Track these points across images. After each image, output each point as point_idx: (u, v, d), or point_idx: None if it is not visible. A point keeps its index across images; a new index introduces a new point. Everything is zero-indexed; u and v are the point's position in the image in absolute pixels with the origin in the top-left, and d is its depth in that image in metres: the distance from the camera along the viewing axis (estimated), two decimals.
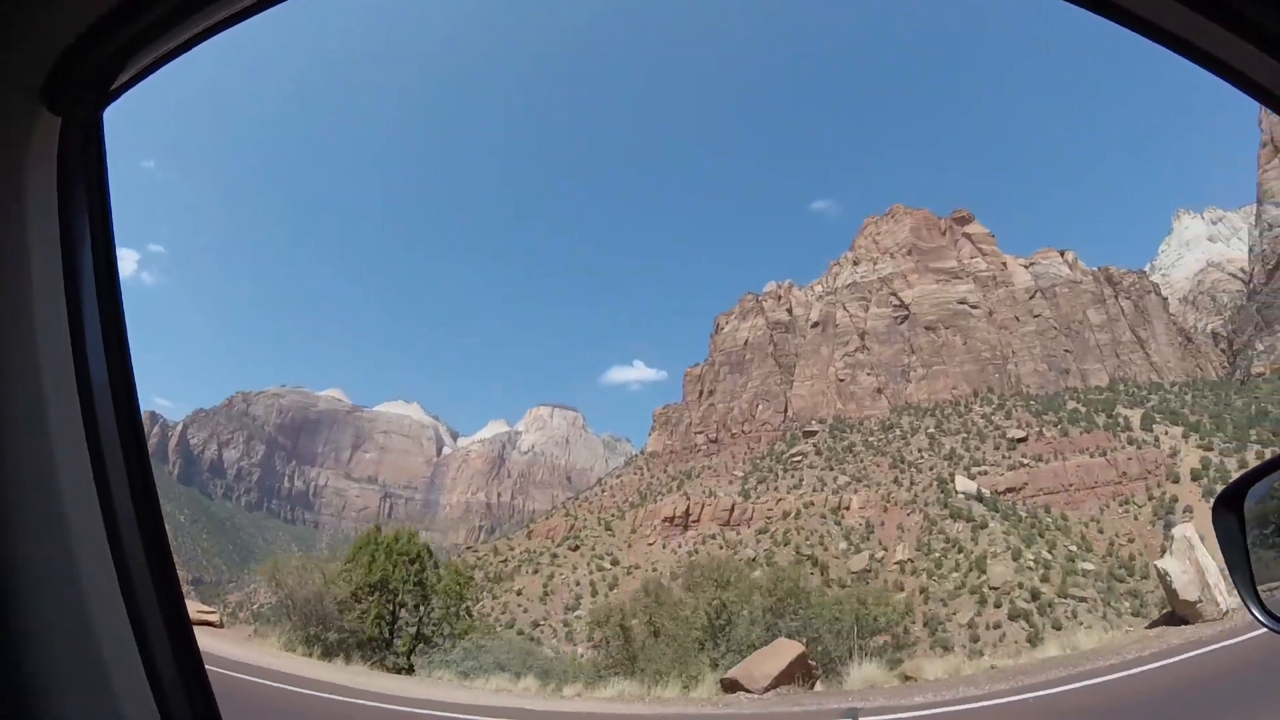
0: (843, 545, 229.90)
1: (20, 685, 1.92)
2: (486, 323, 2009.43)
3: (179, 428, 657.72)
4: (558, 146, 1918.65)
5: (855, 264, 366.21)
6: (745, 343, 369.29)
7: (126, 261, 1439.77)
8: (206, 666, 2.52)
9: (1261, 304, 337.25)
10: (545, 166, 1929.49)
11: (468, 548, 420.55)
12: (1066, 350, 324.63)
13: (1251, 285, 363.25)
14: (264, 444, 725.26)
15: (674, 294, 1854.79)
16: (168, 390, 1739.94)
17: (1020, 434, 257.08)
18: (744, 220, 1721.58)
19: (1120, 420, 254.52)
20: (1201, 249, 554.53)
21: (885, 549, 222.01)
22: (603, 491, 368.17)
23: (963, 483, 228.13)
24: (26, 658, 1.94)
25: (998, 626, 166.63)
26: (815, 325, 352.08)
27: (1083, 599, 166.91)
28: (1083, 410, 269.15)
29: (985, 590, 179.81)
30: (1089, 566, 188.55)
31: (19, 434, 2.05)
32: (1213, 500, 4.22)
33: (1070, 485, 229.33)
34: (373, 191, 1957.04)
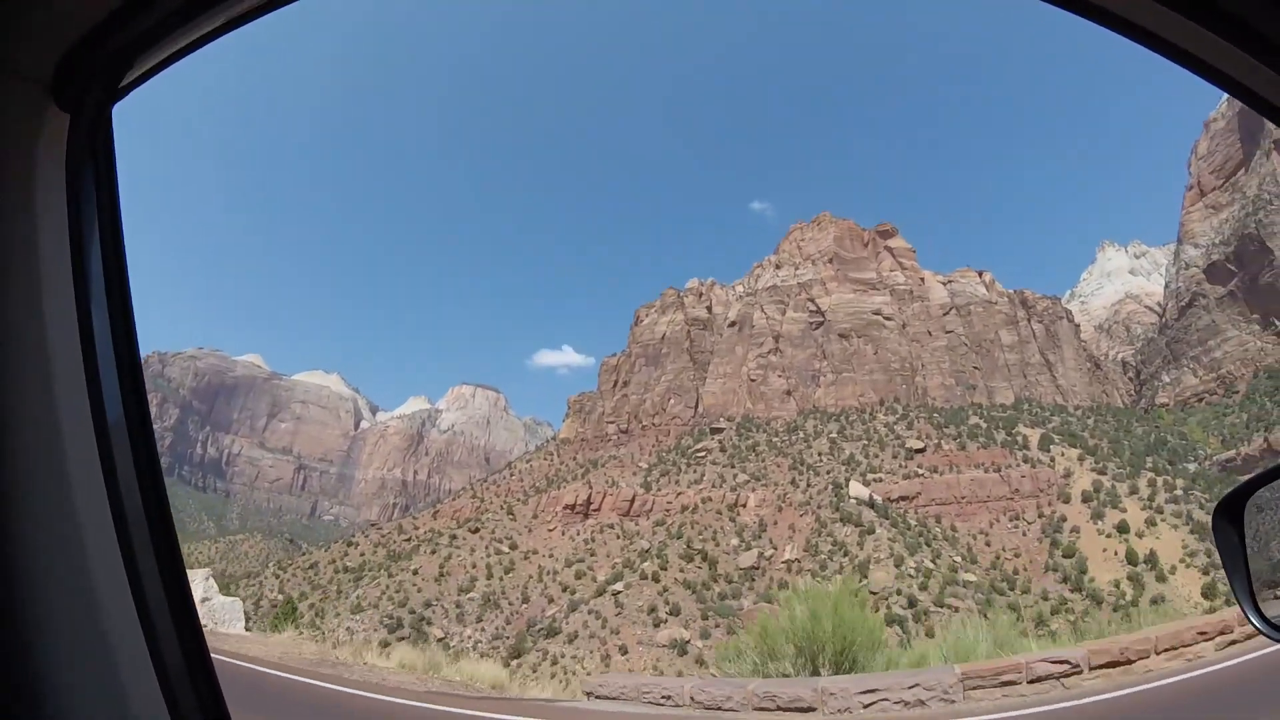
0: (734, 541, 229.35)
1: (30, 684, 1.90)
2: (413, 298, 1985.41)
3: None
4: (495, 127, 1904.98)
5: (778, 268, 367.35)
6: (663, 336, 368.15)
7: None
8: None
9: (1171, 339, 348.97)
10: (482, 146, 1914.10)
11: (371, 524, 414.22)
12: (975, 367, 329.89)
13: (1164, 320, 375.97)
14: (178, 407, 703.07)
15: (610, 283, 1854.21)
16: None
17: (919, 445, 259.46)
18: (683, 215, 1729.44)
19: (1019, 439, 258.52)
20: (1122, 281, 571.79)
21: (775, 547, 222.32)
22: (511, 475, 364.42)
23: (856, 488, 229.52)
24: (36, 656, 1.93)
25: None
26: (733, 325, 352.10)
27: (957, 609, 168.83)
28: (983, 426, 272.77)
29: (865, 594, 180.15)
30: (971, 578, 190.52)
31: (28, 430, 2.03)
32: (1212, 508, 4.23)
33: (962, 498, 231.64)
34: (302, 159, 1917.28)
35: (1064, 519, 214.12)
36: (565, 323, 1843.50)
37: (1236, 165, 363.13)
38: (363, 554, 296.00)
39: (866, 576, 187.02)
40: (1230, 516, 4.22)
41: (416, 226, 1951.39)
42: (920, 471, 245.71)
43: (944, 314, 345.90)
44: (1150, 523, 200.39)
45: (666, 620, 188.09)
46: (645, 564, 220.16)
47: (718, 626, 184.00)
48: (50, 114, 2.18)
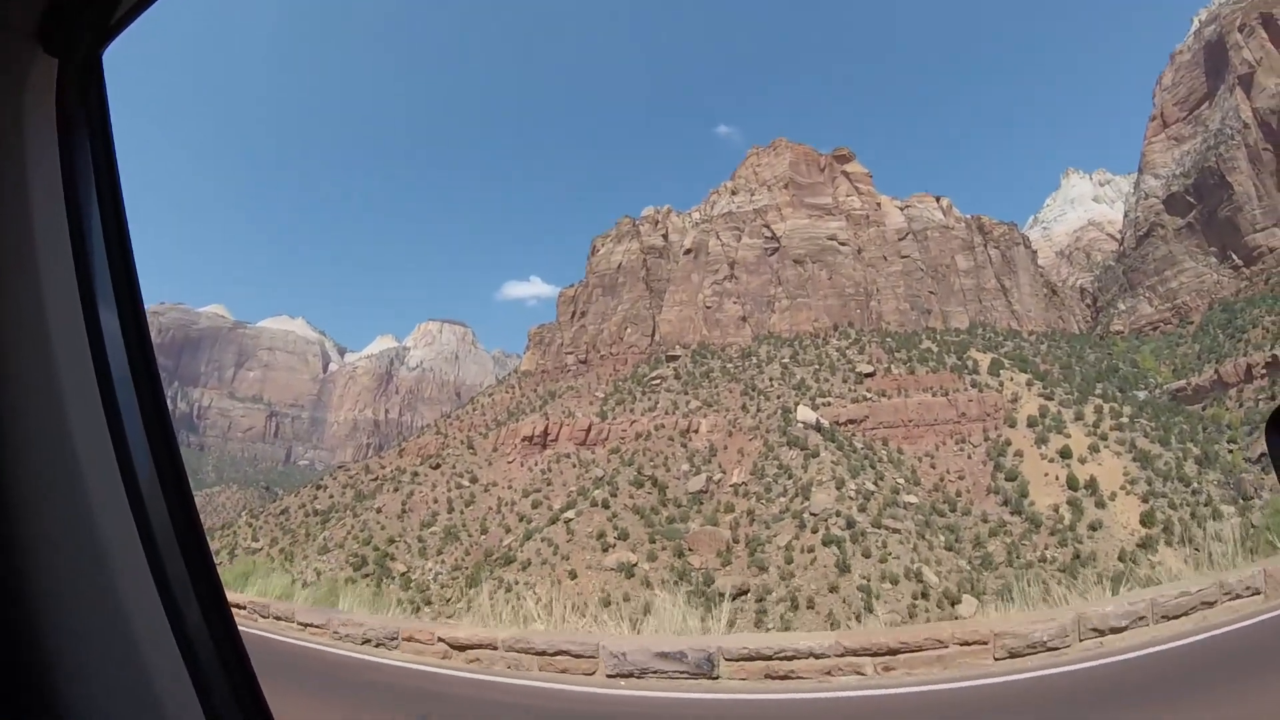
0: (685, 467, 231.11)
1: (57, 691, 1.85)
2: (376, 237, 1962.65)
3: None
4: (455, 56, 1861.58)
5: (734, 194, 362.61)
6: (619, 266, 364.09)
7: None
8: None
9: (1129, 267, 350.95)
10: (442, 75, 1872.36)
11: (339, 467, 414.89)
12: (931, 292, 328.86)
13: (1122, 248, 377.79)
14: None
15: (577, 213, 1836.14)
16: None
17: (869, 369, 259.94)
18: (649, 141, 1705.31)
19: (969, 363, 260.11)
20: (1085, 208, 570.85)
21: (724, 472, 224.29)
22: (474, 410, 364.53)
23: (803, 412, 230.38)
24: (62, 661, 1.88)
25: (811, 550, 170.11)
26: (688, 252, 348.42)
27: (896, 530, 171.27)
28: (935, 351, 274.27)
29: (806, 516, 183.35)
30: (912, 500, 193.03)
31: (30, 399, 1.96)
32: (1266, 419, 4.35)
33: (910, 421, 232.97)
34: (254, 102, 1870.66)
35: (1009, 443, 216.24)
36: (533, 254, 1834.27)
37: (1200, 98, 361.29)
38: (331, 496, 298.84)
39: (809, 499, 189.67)
40: None
41: (376, 164, 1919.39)
42: (869, 395, 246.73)
43: (900, 239, 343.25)
44: (1094, 449, 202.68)
45: (615, 545, 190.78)
46: (597, 491, 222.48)
47: (664, 549, 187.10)
48: (38, 60, 2.11)
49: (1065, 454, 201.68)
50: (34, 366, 2.01)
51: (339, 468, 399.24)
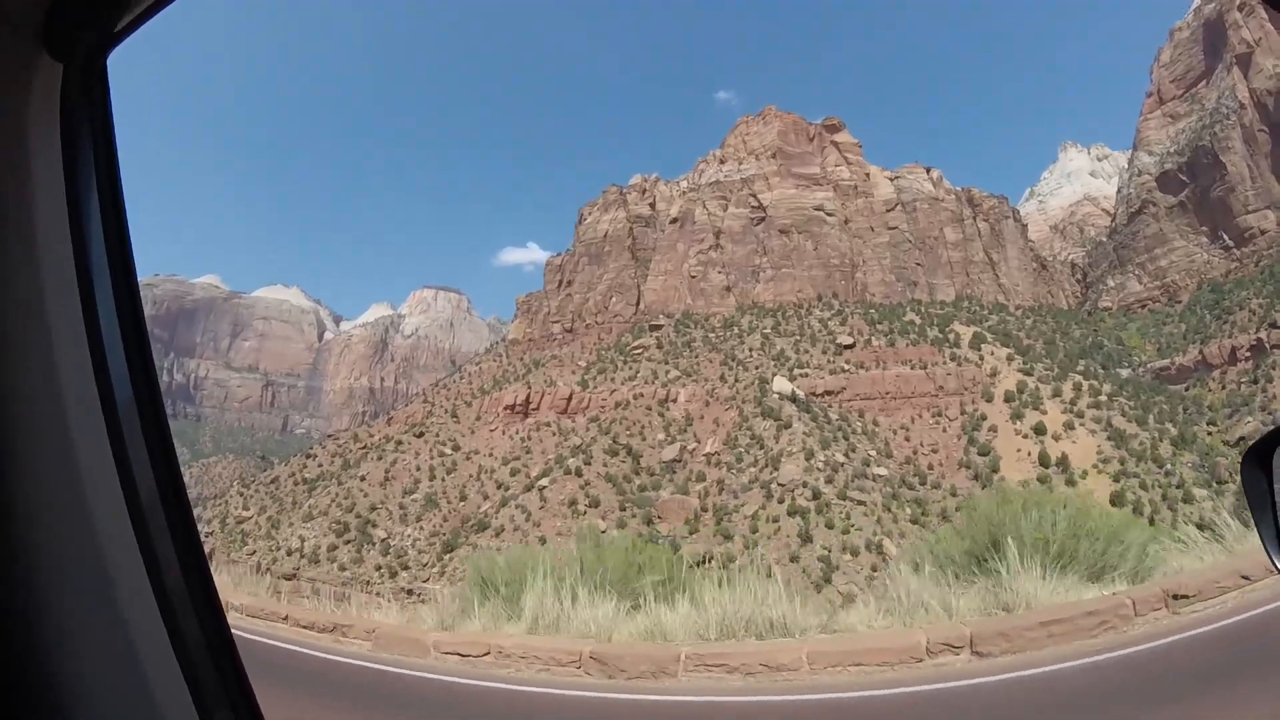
0: (660, 436, 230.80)
1: (51, 686, 1.88)
2: (370, 205, 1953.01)
3: None
4: (451, 17, 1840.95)
5: (722, 163, 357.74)
6: (605, 235, 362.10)
7: None
8: None
9: (1119, 244, 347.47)
10: (437, 39, 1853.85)
11: (329, 436, 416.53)
12: (918, 264, 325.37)
13: (1114, 224, 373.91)
14: None
15: (576, 178, 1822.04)
16: None
17: (849, 341, 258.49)
18: (651, 107, 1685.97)
19: (950, 336, 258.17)
20: (1081, 182, 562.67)
21: (699, 441, 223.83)
22: (462, 378, 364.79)
23: (779, 383, 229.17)
24: (55, 657, 1.90)
25: (776, 520, 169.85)
26: (674, 221, 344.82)
27: (861, 502, 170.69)
28: (917, 323, 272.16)
29: (774, 486, 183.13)
30: (882, 471, 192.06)
31: (31, 403, 1.97)
32: (1242, 453, 4.13)
33: (887, 393, 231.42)
34: (244, 69, 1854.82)
35: (984, 417, 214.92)
36: (530, 220, 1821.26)
37: (1198, 77, 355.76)
38: (320, 465, 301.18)
39: (777, 469, 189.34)
40: (1259, 463, 4.15)
41: (369, 131, 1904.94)
42: (847, 367, 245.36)
43: (888, 210, 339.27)
44: (1069, 426, 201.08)
45: (586, 512, 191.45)
46: (571, 460, 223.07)
47: (634, 516, 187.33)
48: (43, 64, 2.10)
49: (1040, 430, 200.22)
50: (34, 368, 2.01)
51: (329, 436, 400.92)
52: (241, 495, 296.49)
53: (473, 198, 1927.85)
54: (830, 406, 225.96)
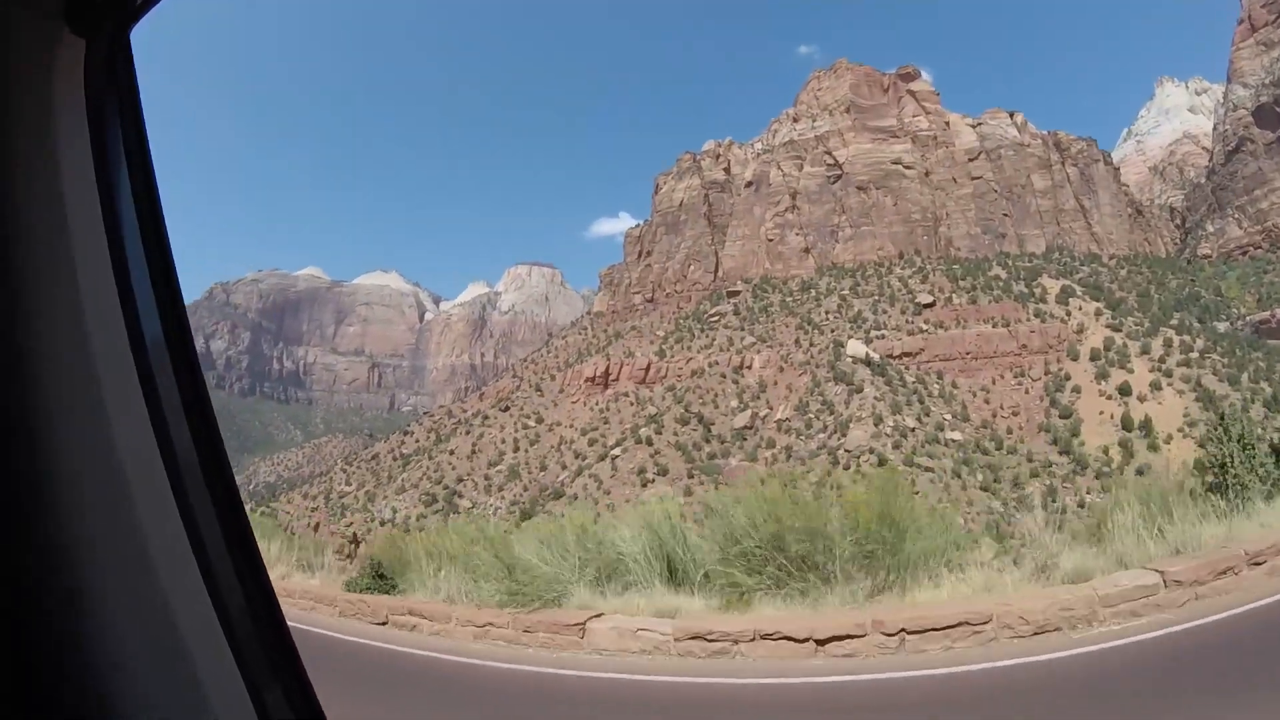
0: (734, 404, 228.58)
1: (101, 673, 1.86)
2: (462, 185, 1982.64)
3: None
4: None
5: (795, 121, 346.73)
6: (681, 203, 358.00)
7: None
8: None
9: (1217, 185, 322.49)
10: (522, 16, 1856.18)
11: (425, 412, 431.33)
12: (1005, 214, 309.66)
13: (1211, 164, 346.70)
14: (249, 330, 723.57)
15: (668, 142, 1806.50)
16: None
17: (929, 299, 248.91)
18: (729, 64, 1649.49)
19: (1037, 291, 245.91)
20: (1180, 119, 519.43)
21: (771, 408, 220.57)
22: (548, 352, 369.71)
23: (853, 346, 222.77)
24: (102, 643, 1.87)
25: (838, 488, 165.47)
26: (749, 184, 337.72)
27: (929, 469, 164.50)
28: (1003, 278, 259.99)
29: (841, 453, 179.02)
30: (956, 436, 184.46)
31: (70, 386, 1.95)
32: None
33: (967, 353, 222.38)
34: (319, 59, 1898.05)
35: (1068, 377, 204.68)
36: (621, 189, 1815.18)
37: None
38: (417, 440, 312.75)
39: (845, 435, 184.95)
40: None
41: (457, 111, 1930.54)
42: (926, 327, 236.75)
43: (971, 160, 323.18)
44: (1155, 386, 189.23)
45: (654, 480, 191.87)
46: (643, 429, 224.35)
47: (701, 484, 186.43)
48: (65, 40, 2.07)
49: (1125, 391, 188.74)
50: (69, 345, 1.98)
51: (425, 414, 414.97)
52: (345, 471, 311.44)
53: (563, 171, 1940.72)
54: (907, 369, 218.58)
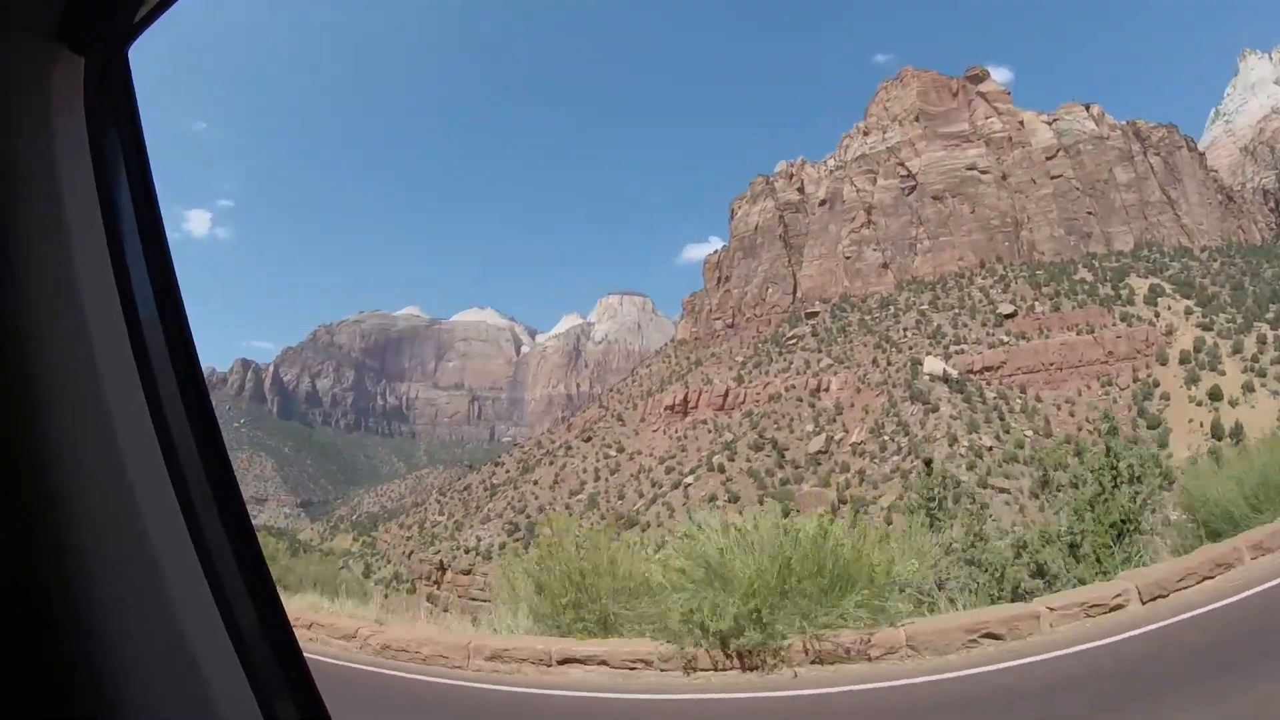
0: (809, 427, 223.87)
1: (110, 686, 1.85)
2: (553, 220, 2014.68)
3: (270, 368, 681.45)
4: (613, 33, 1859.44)
5: (865, 134, 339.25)
6: (756, 226, 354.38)
7: (199, 221, 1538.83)
8: None
9: None
10: (597, 45, 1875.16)
11: (515, 444, 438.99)
12: (1090, 213, 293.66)
13: None
14: (352, 369, 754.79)
15: (755, 163, 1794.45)
16: (260, 333, 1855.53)
17: (1010, 309, 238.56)
18: (807, 78, 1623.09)
19: (1123, 293, 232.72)
20: (1267, 93, 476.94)
21: (846, 431, 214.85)
22: (633, 381, 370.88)
23: (930, 363, 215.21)
24: (112, 656, 1.86)
25: (911, 512, 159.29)
26: (823, 203, 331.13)
27: (1004, 490, 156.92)
28: (1088, 281, 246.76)
29: (914, 476, 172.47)
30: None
31: (74, 398, 1.94)
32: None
33: (1051, 364, 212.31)
34: (419, 109, 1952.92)
35: (1156, 384, 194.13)
36: (709, 215, 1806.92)
37: None
38: (507, 471, 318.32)
39: (919, 457, 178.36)
40: None
41: (543, 145, 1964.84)
42: (1007, 339, 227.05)
43: (1049, 158, 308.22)
44: (1248, 388, 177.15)
45: (724, 507, 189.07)
46: (715, 457, 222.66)
47: (771, 511, 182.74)
48: (62, 60, 2.07)
49: (1215, 395, 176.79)
50: (74, 365, 1.97)
51: (516, 445, 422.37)
52: (439, 502, 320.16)
53: (653, 199, 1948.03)
54: (988, 384, 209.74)
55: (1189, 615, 12.11)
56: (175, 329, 2.27)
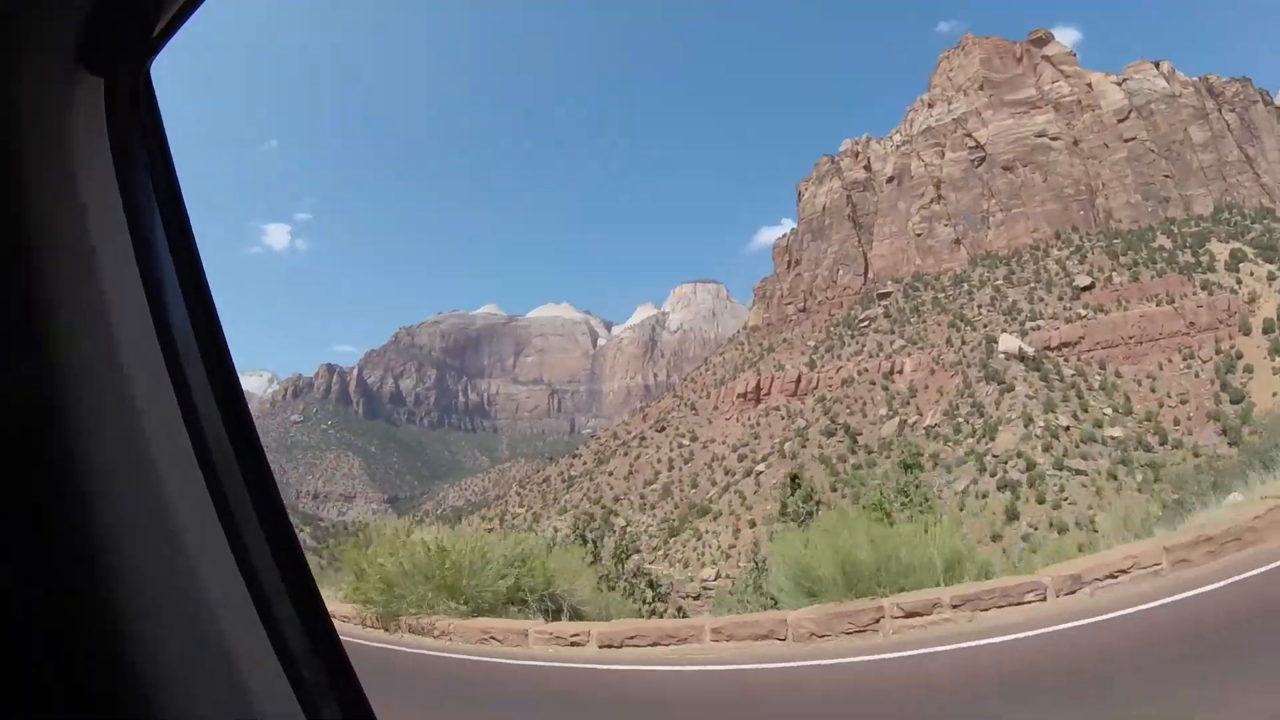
0: (882, 411, 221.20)
1: (149, 690, 1.83)
2: (624, 212, 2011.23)
3: (355, 371, 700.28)
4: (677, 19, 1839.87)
5: (930, 106, 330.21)
6: (824, 208, 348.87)
7: (278, 235, 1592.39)
8: None
9: None
10: (668, 40, 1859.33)
11: (592, 436, 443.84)
12: (1166, 175, 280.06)
13: None
14: (434, 368, 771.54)
15: (820, 142, 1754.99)
16: (343, 339, 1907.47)
17: (1087, 281, 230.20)
18: (870, 51, 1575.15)
19: (1204, 260, 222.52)
20: None
21: (920, 414, 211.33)
22: (706, 370, 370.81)
23: (1005, 341, 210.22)
24: (151, 663, 1.85)
25: (984, 496, 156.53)
26: (891, 179, 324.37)
27: (1081, 471, 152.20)
28: (1167, 249, 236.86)
29: (988, 459, 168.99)
30: (1116, 433, 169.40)
31: (109, 425, 1.94)
32: None
33: (1130, 338, 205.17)
34: (489, 109, 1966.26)
35: (1239, 355, 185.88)
36: (783, 197, 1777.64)
37: None
38: (584, 463, 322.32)
39: (994, 439, 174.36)
40: None
41: (609, 136, 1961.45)
42: (1084, 312, 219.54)
43: (1120, 120, 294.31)
44: None
45: (794, 495, 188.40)
46: (787, 444, 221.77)
47: (844, 497, 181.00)
48: (84, 81, 2.03)
49: None
50: (108, 386, 1.95)
51: (592, 437, 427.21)
52: (519, 494, 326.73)
53: (722, 184, 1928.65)
54: (1065, 360, 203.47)
55: None
56: (209, 337, 2.27)
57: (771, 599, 17.87)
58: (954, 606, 12.57)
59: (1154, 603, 11.55)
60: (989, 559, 17.99)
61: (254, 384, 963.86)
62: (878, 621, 12.75)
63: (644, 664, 13.23)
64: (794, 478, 27.32)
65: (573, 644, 14.50)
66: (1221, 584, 11.75)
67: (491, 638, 15.52)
